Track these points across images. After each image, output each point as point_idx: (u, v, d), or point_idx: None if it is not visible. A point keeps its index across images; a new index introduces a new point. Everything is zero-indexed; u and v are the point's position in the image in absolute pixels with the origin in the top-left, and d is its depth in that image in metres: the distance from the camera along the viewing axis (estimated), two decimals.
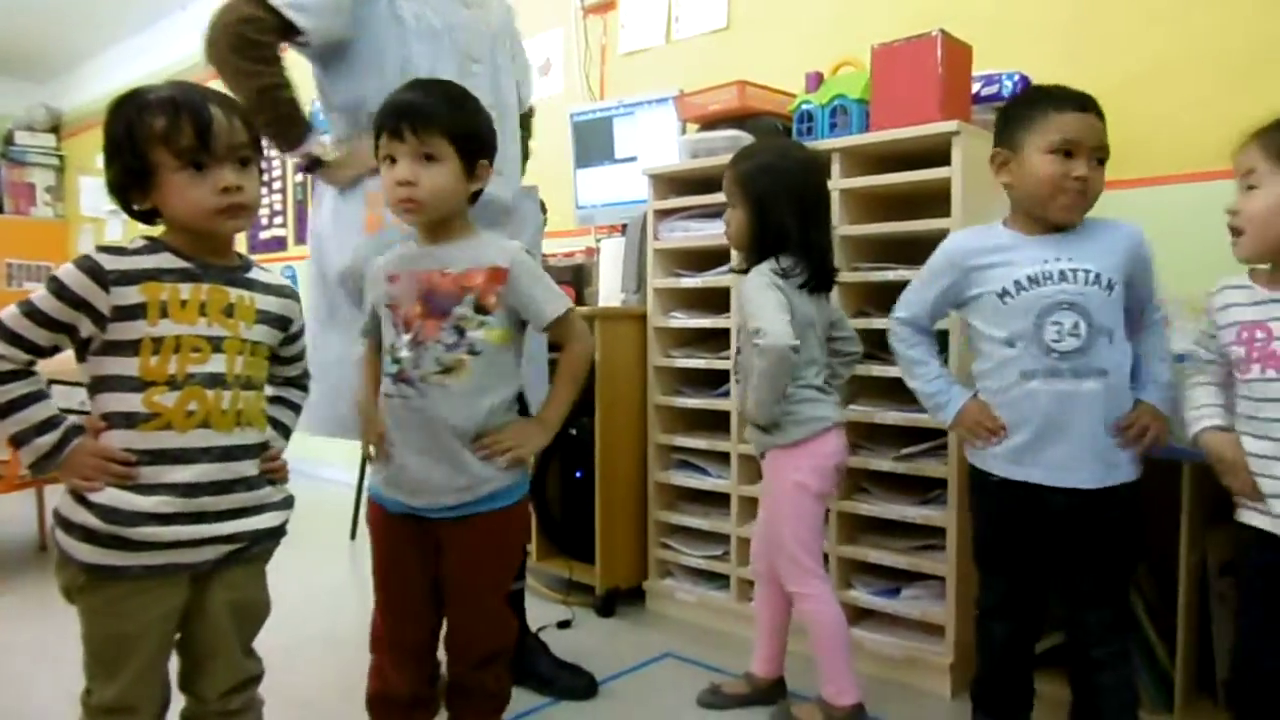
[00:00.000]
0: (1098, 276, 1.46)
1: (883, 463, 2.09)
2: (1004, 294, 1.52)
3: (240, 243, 3.58)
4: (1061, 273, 1.48)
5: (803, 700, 1.90)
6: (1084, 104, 1.48)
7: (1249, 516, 1.36)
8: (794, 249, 1.77)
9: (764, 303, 1.72)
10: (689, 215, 2.48)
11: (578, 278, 2.94)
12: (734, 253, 2.07)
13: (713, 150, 2.37)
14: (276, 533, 1.32)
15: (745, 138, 2.32)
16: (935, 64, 1.96)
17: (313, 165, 1.85)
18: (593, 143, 3.04)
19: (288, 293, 1.36)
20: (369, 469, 1.56)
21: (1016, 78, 2.15)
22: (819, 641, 1.81)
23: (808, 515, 1.80)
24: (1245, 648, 1.42)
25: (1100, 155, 1.48)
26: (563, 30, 3.47)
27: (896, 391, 2.06)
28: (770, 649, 1.97)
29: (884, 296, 2.12)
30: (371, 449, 1.51)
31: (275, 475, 1.32)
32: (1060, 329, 1.46)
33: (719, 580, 2.44)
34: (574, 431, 2.60)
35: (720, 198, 1.90)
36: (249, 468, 1.26)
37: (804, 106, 2.30)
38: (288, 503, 1.34)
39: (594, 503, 2.51)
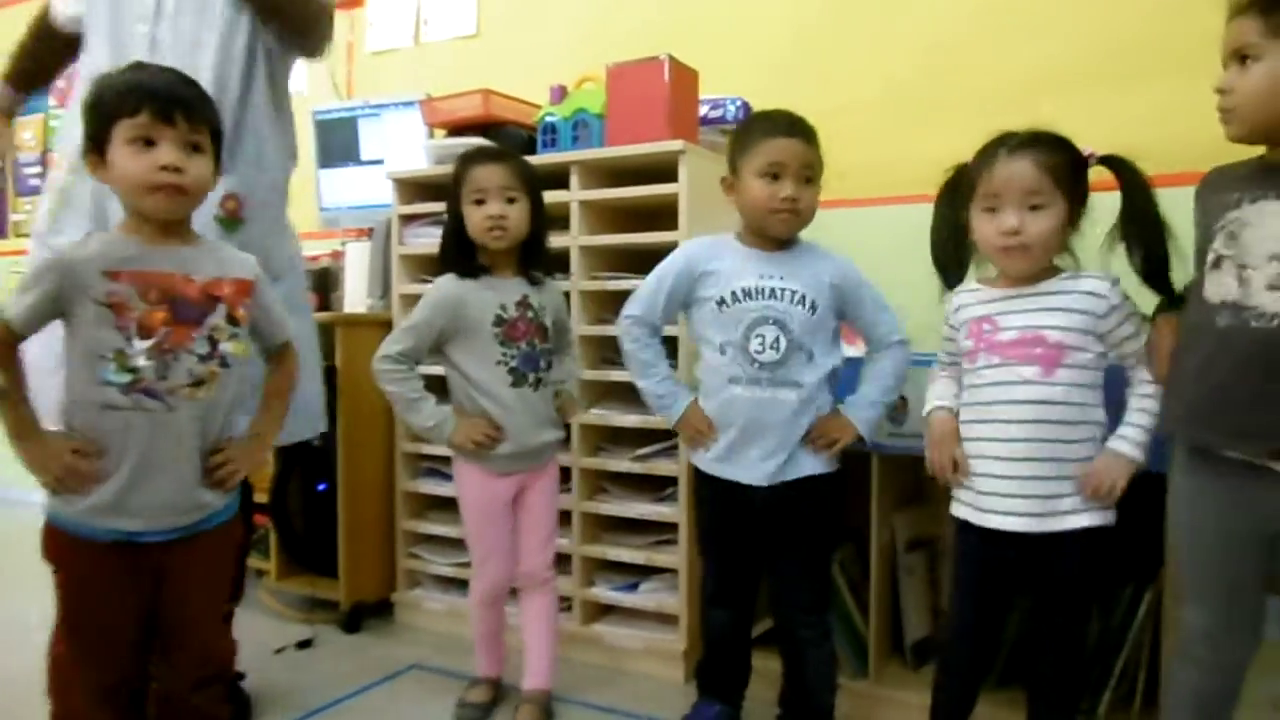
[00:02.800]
0: (803, 298, 1.61)
1: (621, 463, 2.19)
2: (721, 302, 1.64)
3: None
4: (772, 289, 1.61)
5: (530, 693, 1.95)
6: (790, 129, 1.60)
7: (957, 509, 1.51)
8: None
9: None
10: (435, 221, 2.47)
11: (322, 282, 2.82)
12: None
13: (456, 158, 2.37)
14: None
15: (490, 146, 2.34)
16: (663, 86, 2.08)
17: None
18: (337, 143, 2.94)
19: None
20: (51, 496, 1.34)
21: (739, 102, 2.33)
22: (553, 631, 1.92)
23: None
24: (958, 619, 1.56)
25: (807, 174, 1.60)
26: None
27: (635, 395, 2.16)
28: (503, 648, 2.04)
29: (621, 304, 2.22)
30: (61, 473, 1.30)
31: None
32: (763, 341, 1.60)
33: (466, 587, 2.44)
34: (316, 442, 2.49)
35: None
36: None
37: (548, 118, 2.35)
38: None
39: (337, 515, 2.42)
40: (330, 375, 2.21)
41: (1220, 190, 1.29)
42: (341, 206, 2.98)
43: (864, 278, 1.69)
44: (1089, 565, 1.45)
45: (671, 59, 2.09)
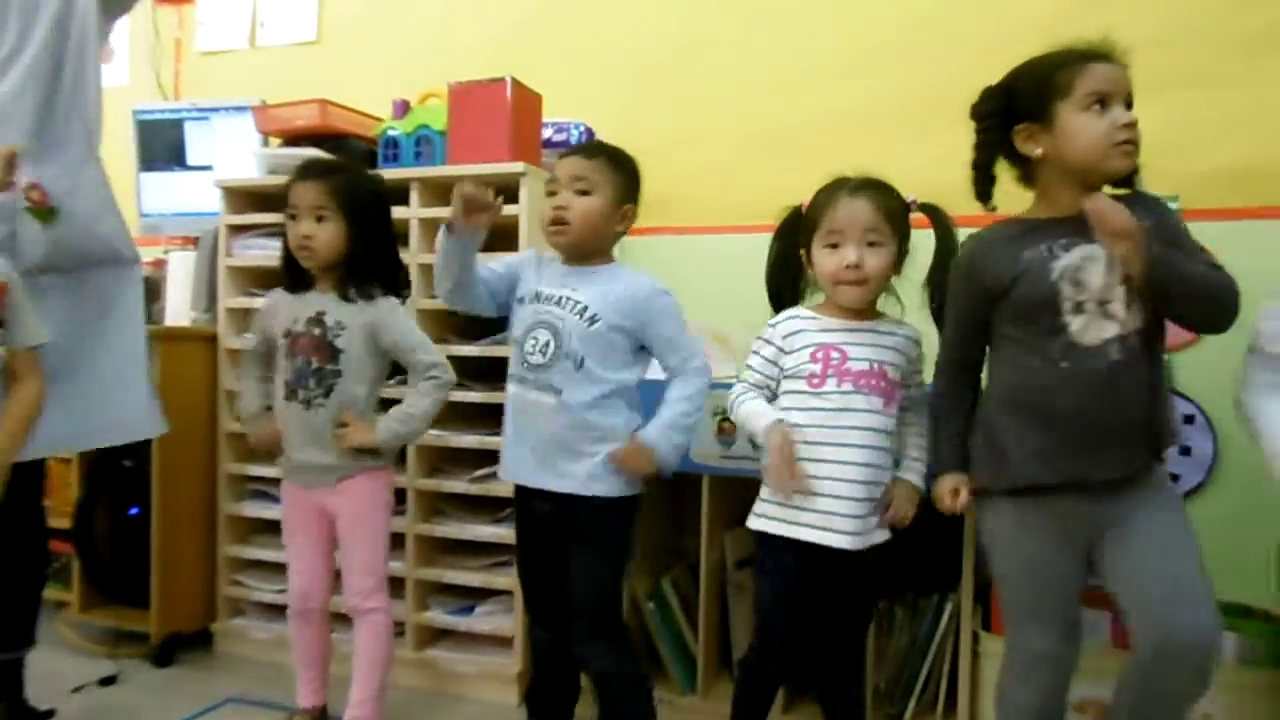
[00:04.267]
0: (585, 309, 1.62)
1: (457, 484, 2.16)
2: (522, 300, 1.69)
3: None
4: (561, 298, 1.65)
5: None
6: (570, 149, 1.73)
7: (760, 524, 1.57)
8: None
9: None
10: (265, 233, 2.37)
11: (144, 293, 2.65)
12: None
13: (289, 168, 2.28)
14: None
15: (326, 158, 2.27)
16: (505, 107, 2.09)
17: None
18: (160, 145, 2.77)
19: None
20: None
21: (583, 127, 2.37)
22: (384, 657, 1.86)
23: (387, 531, 1.90)
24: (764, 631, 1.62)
25: (577, 188, 1.63)
26: (128, 15, 3.12)
27: (472, 416, 2.15)
28: (324, 676, 1.96)
29: (464, 324, 2.21)
30: None
31: None
32: (535, 344, 1.63)
33: None
34: (128, 463, 2.34)
35: None
36: None
37: (390, 133, 2.31)
38: None
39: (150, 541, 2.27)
40: None
41: (1006, 250, 1.42)
42: (165, 213, 2.80)
43: (665, 304, 1.65)
44: (878, 579, 1.60)
45: (514, 80, 2.10)
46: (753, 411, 1.55)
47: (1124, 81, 1.38)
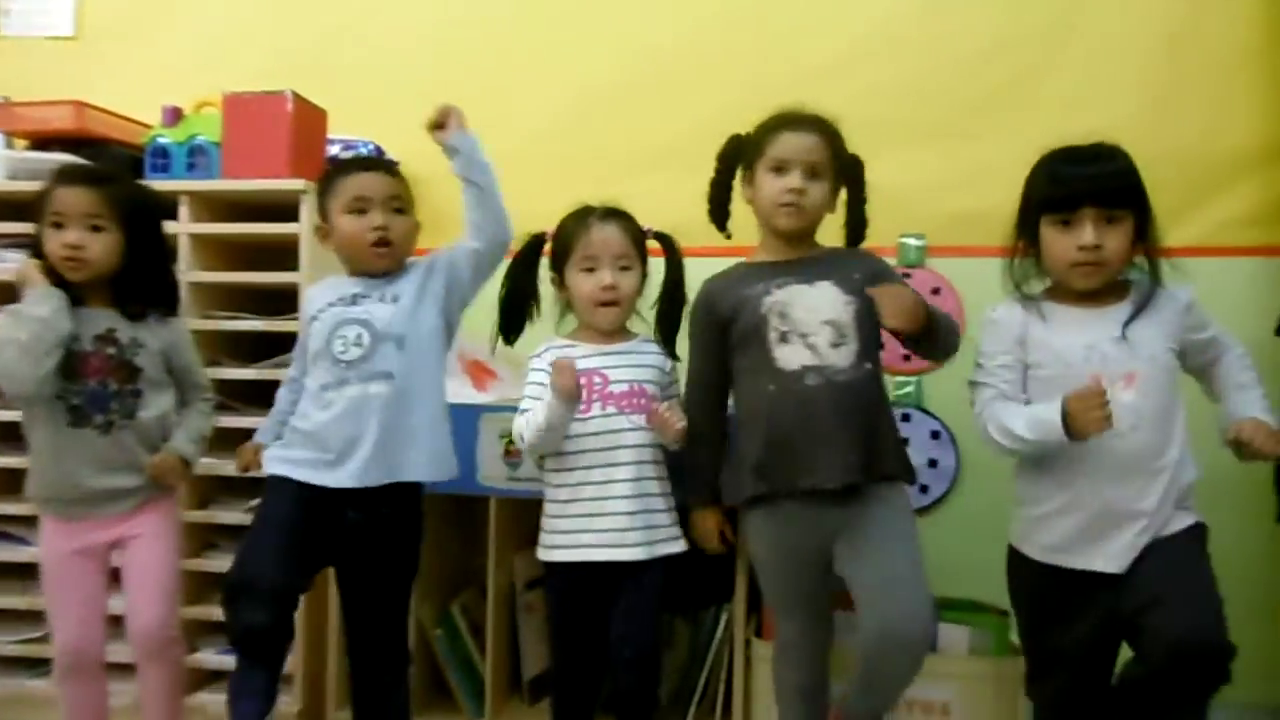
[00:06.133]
0: (396, 298, 1.64)
1: (233, 515, 2.05)
2: (313, 319, 1.65)
3: None
4: (355, 296, 1.64)
5: None
6: (368, 165, 1.72)
7: (545, 554, 1.65)
8: None
9: None
10: (11, 243, 2.14)
11: None
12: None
13: (37, 173, 2.08)
14: None
15: (88, 164, 2.09)
16: (286, 121, 2.01)
17: None
18: None
19: None
20: None
21: (372, 146, 2.32)
22: (179, 699, 1.79)
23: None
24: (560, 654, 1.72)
25: (393, 205, 1.65)
26: None
27: (243, 440, 2.04)
28: None
29: (236, 345, 2.10)
30: None
31: None
32: (345, 341, 1.60)
33: (39, 666, 2.12)
34: None
35: None
36: None
37: (160, 141, 2.16)
38: None
39: None
40: None
41: (733, 289, 1.63)
42: None
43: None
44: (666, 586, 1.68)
45: (296, 95, 2.03)
46: (530, 422, 1.62)
47: (808, 150, 1.59)
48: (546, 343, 1.70)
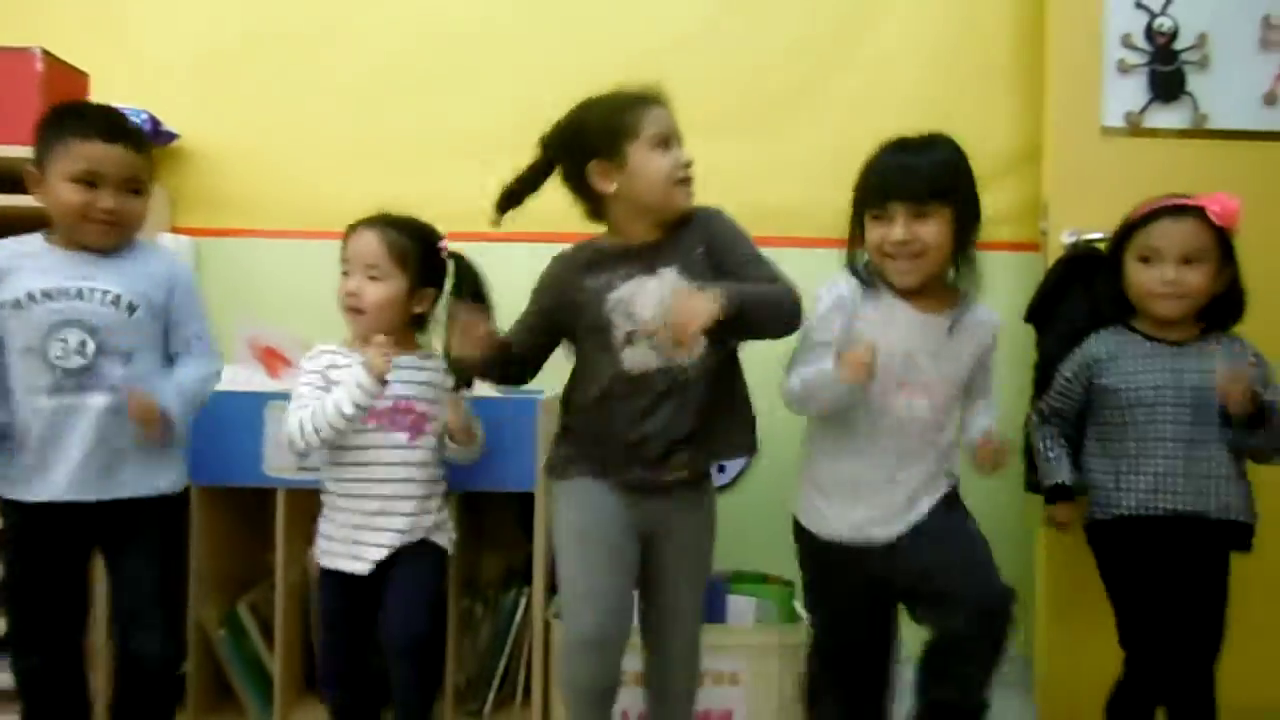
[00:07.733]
0: (117, 299, 1.50)
1: None
2: (17, 304, 1.47)
3: None
4: (79, 290, 1.48)
5: None
6: (110, 132, 1.50)
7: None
8: None
9: None
10: None
11: None
12: None
13: None
14: None
15: None
16: (35, 81, 1.82)
17: None
18: None
19: None
20: None
21: (145, 115, 2.12)
22: None
23: None
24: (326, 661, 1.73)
25: (130, 187, 1.51)
26: None
27: None
28: None
29: None
30: None
31: None
32: (66, 346, 1.46)
33: None
34: None
35: None
36: None
37: None
38: None
39: None
40: None
41: (578, 275, 1.52)
42: None
43: (192, 285, 1.62)
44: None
45: (47, 53, 1.84)
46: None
47: (675, 125, 1.52)
48: (320, 348, 1.67)
